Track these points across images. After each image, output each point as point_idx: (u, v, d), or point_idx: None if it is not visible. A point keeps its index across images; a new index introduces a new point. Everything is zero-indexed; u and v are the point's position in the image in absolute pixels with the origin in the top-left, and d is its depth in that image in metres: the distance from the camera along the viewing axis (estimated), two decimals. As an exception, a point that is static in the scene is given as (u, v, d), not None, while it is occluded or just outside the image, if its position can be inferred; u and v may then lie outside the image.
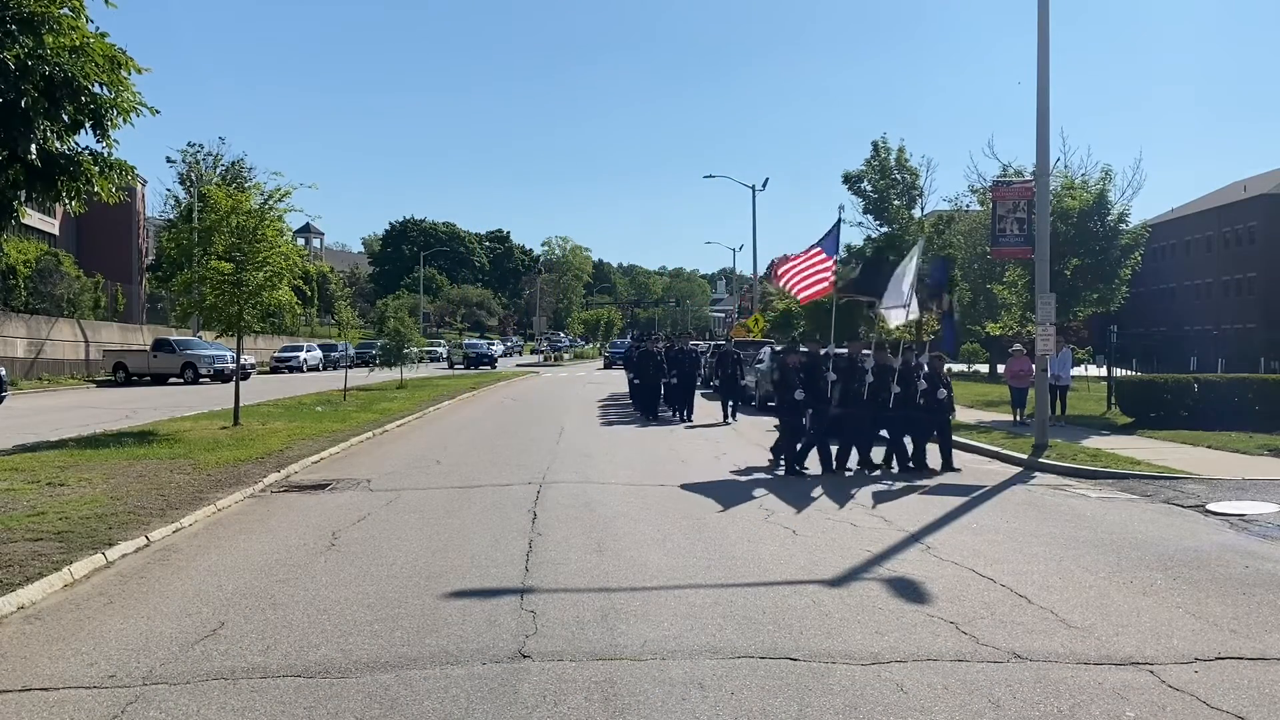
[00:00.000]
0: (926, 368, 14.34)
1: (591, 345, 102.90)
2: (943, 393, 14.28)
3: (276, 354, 52.54)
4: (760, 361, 27.70)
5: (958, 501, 11.49)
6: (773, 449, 14.54)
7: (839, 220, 17.42)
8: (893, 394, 13.93)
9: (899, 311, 15.63)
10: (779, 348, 16.79)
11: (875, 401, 13.90)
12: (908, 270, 15.40)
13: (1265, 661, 5.69)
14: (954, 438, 18.69)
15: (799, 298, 16.82)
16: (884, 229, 36.60)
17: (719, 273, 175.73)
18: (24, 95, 8.40)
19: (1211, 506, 11.06)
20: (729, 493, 11.76)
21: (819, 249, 16.65)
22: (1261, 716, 4.85)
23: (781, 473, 13.53)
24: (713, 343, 50.64)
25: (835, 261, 16.49)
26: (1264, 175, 68.51)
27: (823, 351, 14.71)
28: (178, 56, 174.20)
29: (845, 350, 14.90)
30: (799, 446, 13.71)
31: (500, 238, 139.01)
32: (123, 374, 38.97)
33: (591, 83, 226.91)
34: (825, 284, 16.52)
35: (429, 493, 11.51)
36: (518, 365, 64.76)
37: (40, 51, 8.56)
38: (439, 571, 7.58)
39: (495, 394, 32.86)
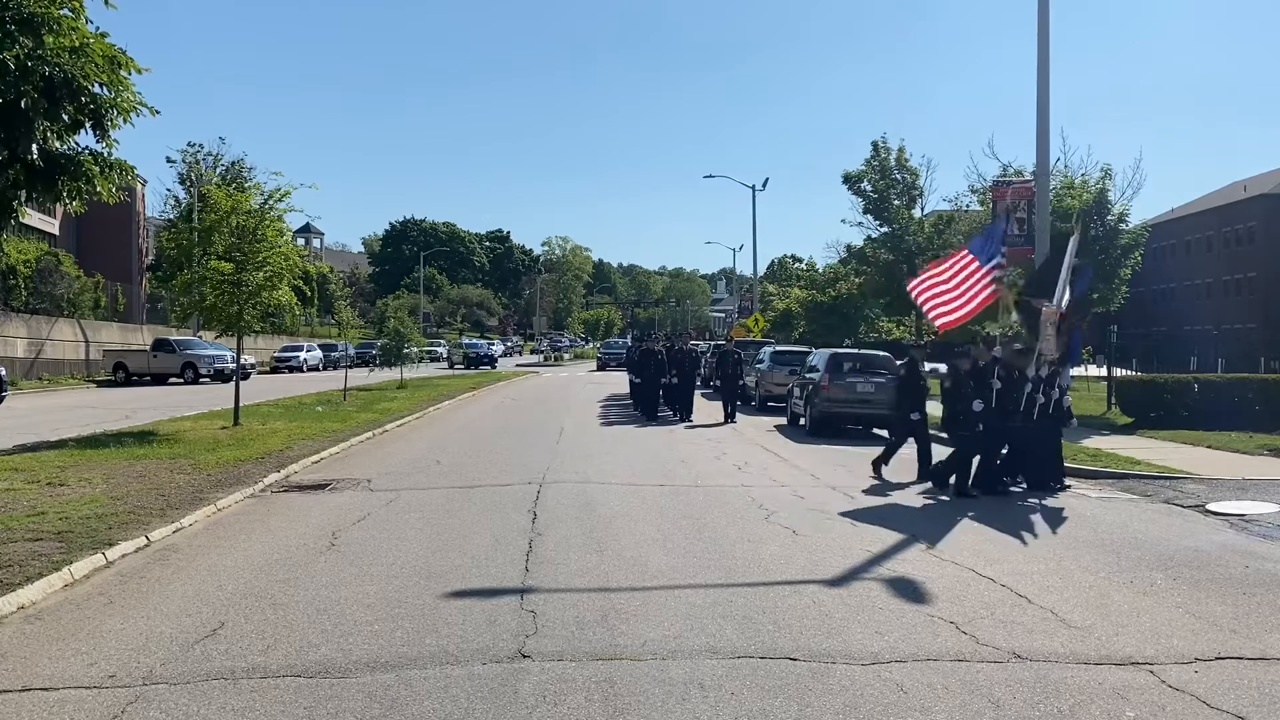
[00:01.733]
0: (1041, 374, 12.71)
1: (592, 345, 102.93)
2: (1068, 400, 13.25)
3: (276, 354, 52.57)
4: (760, 361, 27.74)
5: (957, 502, 11.50)
6: (935, 472, 12.67)
7: (997, 219, 15.35)
8: (1037, 404, 12.44)
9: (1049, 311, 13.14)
10: (909, 352, 14.74)
11: (1028, 412, 12.40)
12: (1066, 268, 13.26)
13: (1265, 661, 5.69)
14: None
15: (947, 320, 13.46)
16: (884, 229, 36.64)
17: (719, 273, 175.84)
18: (24, 95, 8.41)
19: (1211, 506, 11.07)
20: (729, 493, 11.75)
21: (970, 257, 13.90)
22: (1261, 716, 4.85)
23: (946, 497, 11.95)
24: (713, 343, 50.69)
25: (996, 266, 13.82)
26: (1264, 175, 68.45)
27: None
28: (178, 56, 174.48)
29: (997, 355, 12.96)
30: (938, 463, 12.57)
31: (500, 238, 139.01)
32: (123, 374, 38.96)
33: (591, 82, 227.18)
34: (988, 293, 13.65)
35: (429, 492, 11.51)
36: (518, 365, 64.78)
37: (40, 52, 8.58)
38: (439, 571, 7.57)
39: (495, 394, 32.87)
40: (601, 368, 57.67)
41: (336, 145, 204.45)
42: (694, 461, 14.94)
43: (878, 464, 13.49)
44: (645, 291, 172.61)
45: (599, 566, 7.81)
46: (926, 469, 13.08)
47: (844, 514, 10.43)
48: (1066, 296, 12.91)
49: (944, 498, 11.81)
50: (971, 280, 13.44)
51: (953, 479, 12.13)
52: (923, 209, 37.49)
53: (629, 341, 65.64)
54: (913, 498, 11.78)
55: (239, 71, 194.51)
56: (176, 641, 5.82)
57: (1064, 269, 13.09)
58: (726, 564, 7.97)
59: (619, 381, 35.78)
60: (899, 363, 14.72)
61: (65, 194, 9.58)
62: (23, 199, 9.72)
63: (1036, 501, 11.49)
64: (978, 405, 12.01)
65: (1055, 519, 10.43)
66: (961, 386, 12.28)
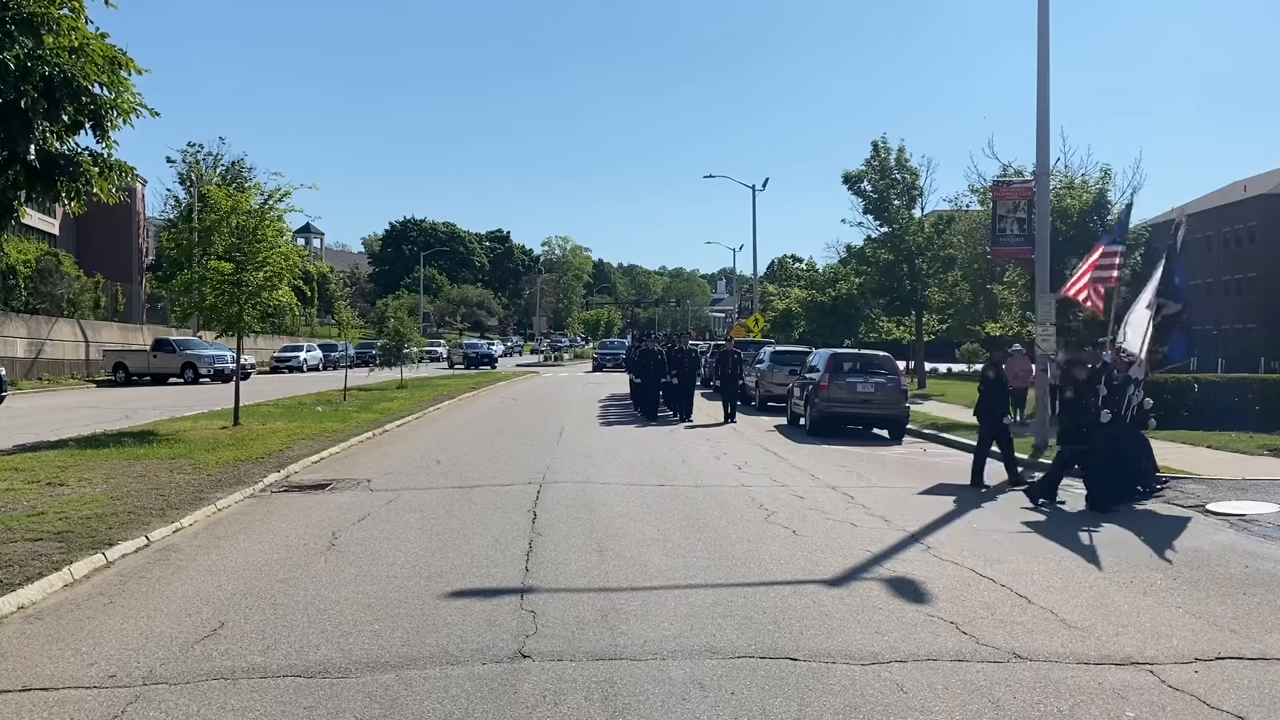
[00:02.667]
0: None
1: (591, 345, 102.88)
2: (1150, 403, 12.52)
3: (276, 354, 52.54)
4: (760, 361, 27.74)
5: (958, 501, 11.49)
6: (1042, 488, 11.66)
7: (1129, 205, 15.49)
8: (1133, 406, 11.78)
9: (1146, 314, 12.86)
10: (1062, 357, 13.46)
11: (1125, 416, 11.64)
12: (1172, 267, 13.16)
13: (1265, 661, 5.70)
14: (954, 438, 18.83)
15: (1081, 297, 14.44)
16: (884, 229, 36.61)
17: (719, 273, 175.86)
18: (24, 96, 8.40)
19: (1211, 506, 11.07)
20: (729, 493, 11.75)
21: (1100, 245, 14.43)
22: (1261, 716, 4.85)
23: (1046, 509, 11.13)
24: (713, 343, 50.64)
25: (1120, 253, 14.22)
26: (1264, 175, 68.39)
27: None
28: (178, 56, 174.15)
29: (1107, 359, 12.13)
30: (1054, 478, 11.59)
31: (500, 238, 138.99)
32: (123, 374, 38.95)
33: (591, 81, 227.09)
34: (1109, 278, 14.21)
35: (429, 493, 11.51)
36: (518, 365, 64.78)
37: (40, 52, 8.56)
38: (439, 571, 7.58)
39: (495, 394, 32.87)
40: (598, 369, 54.97)
41: (336, 145, 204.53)
42: (694, 461, 14.93)
43: (1023, 484, 12.43)
44: (645, 291, 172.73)
45: (599, 566, 7.81)
46: (1016, 476, 12.73)
47: (843, 514, 10.43)
48: (1150, 293, 12.63)
49: (947, 497, 11.80)
50: (1099, 261, 13.92)
51: (1035, 489, 11.57)
52: (923, 209, 37.40)
53: (627, 341, 64.98)
54: (914, 499, 11.78)
55: (239, 71, 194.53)
56: (176, 641, 5.81)
57: (1162, 264, 12.72)
58: (726, 564, 7.97)
59: (619, 382, 35.78)
60: (984, 366, 13.50)
61: (65, 194, 9.57)
62: (22, 199, 9.70)
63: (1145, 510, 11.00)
64: (1105, 416, 11.20)
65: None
66: (1083, 396, 11.41)
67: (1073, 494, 12.09)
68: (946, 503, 11.42)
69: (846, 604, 6.77)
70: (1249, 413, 19.30)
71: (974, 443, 17.50)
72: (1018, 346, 22.94)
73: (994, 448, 13.31)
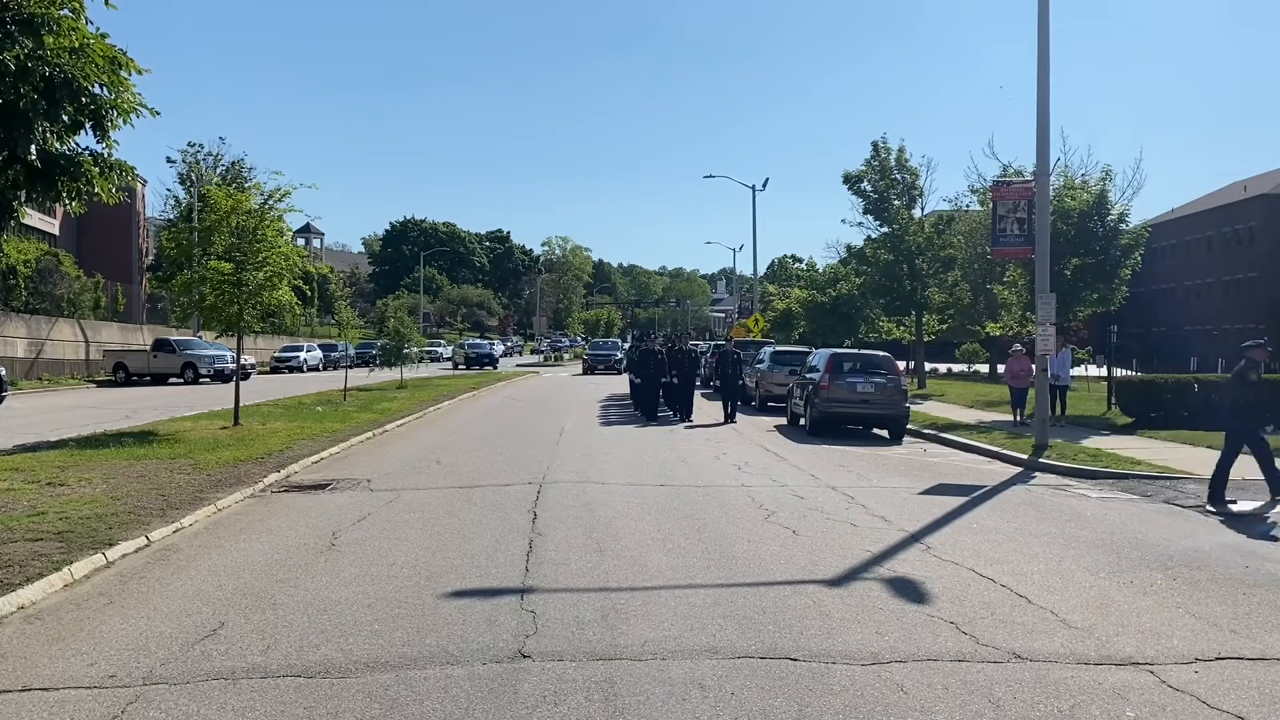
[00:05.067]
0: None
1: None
2: None
3: (276, 354, 52.58)
4: (760, 361, 27.74)
5: (958, 501, 11.49)
6: None
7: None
8: None
9: None
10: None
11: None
12: None
13: (1265, 661, 5.69)
14: (954, 438, 18.83)
15: None
16: (884, 229, 36.59)
17: (719, 273, 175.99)
18: (24, 96, 8.41)
19: (1211, 506, 11.06)
20: (729, 493, 11.75)
21: None
22: (1261, 716, 4.85)
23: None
24: (713, 343, 50.62)
25: None
26: (1264, 175, 68.36)
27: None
28: (178, 57, 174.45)
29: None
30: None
31: (500, 238, 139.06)
32: (123, 374, 38.96)
33: (591, 82, 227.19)
34: None
35: (429, 493, 11.51)
36: (518, 365, 64.82)
37: (40, 52, 8.58)
38: (439, 571, 7.57)
39: (496, 394, 32.86)
40: (588, 371, 51.70)
41: (336, 145, 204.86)
42: (694, 461, 14.93)
43: (1218, 491, 11.31)
44: (645, 291, 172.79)
45: (599, 566, 7.81)
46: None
47: (843, 514, 10.43)
48: None
49: (947, 497, 11.80)
50: None
51: None
52: (923, 209, 37.33)
53: (620, 342, 64.58)
54: (914, 499, 11.78)
55: (239, 71, 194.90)
56: (176, 641, 5.81)
57: None
58: (726, 564, 7.97)
59: (618, 382, 35.77)
60: (1243, 366, 11.98)
61: (65, 194, 9.58)
62: (23, 199, 9.71)
63: None
64: None
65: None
66: None
67: (1072, 494, 12.10)
68: (946, 503, 11.41)
69: (846, 604, 6.77)
70: (1249, 413, 19.25)
71: (972, 442, 17.60)
72: (1018, 346, 22.94)
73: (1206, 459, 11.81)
